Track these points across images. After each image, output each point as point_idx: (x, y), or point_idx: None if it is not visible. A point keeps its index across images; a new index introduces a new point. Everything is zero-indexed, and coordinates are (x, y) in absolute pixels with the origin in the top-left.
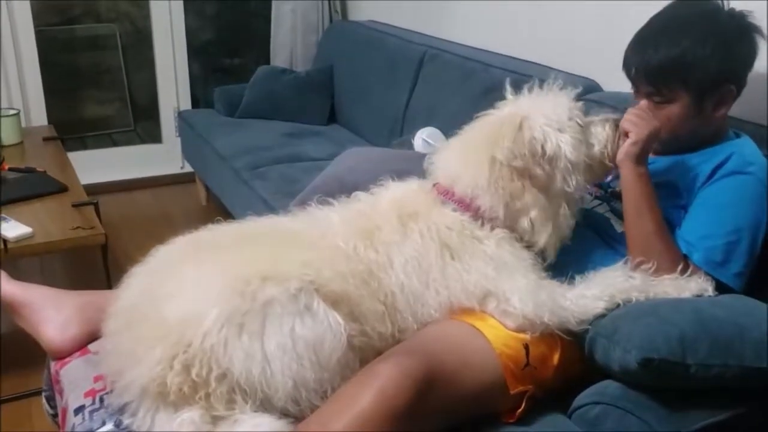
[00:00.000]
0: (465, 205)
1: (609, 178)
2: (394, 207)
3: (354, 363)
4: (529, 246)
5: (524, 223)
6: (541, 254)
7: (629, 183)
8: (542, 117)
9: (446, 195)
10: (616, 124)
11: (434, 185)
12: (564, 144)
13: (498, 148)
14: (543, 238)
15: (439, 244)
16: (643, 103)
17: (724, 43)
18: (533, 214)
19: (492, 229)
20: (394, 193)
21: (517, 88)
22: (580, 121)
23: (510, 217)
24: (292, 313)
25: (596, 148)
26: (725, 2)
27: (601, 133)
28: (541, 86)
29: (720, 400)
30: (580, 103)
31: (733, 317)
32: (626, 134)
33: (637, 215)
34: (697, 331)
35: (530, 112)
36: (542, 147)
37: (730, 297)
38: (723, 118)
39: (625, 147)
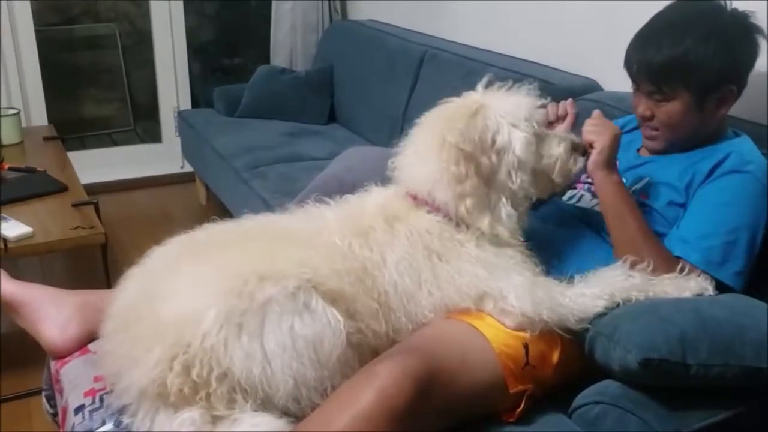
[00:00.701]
0: (434, 207)
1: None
2: (379, 211)
3: (353, 361)
4: (504, 242)
5: (461, 208)
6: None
7: (604, 190)
8: (499, 109)
9: (417, 199)
10: (573, 146)
11: (405, 191)
12: (515, 139)
13: (450, 130)
14: (483, 225)
15: (423, 247)
16: (596, 112)
17: (726, 43)
18: (468, 202)
19: (469, 229)
20: (376, 199)
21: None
22: (536, 126)
23: (458, 205)
24: (291, 311)
25: (544, 161)
26: (728, 2)
27: (554, 148)
28: (511, 86)
29: (720, 399)
30: (542, 111)
31: (733, 317)
32: (590, 145)
33: (618, 219)
34: (697, 331)
35: (489, 102)
36: (493, 137)
37: (730, 296)
38: (723, 118)
39: (593, 157)
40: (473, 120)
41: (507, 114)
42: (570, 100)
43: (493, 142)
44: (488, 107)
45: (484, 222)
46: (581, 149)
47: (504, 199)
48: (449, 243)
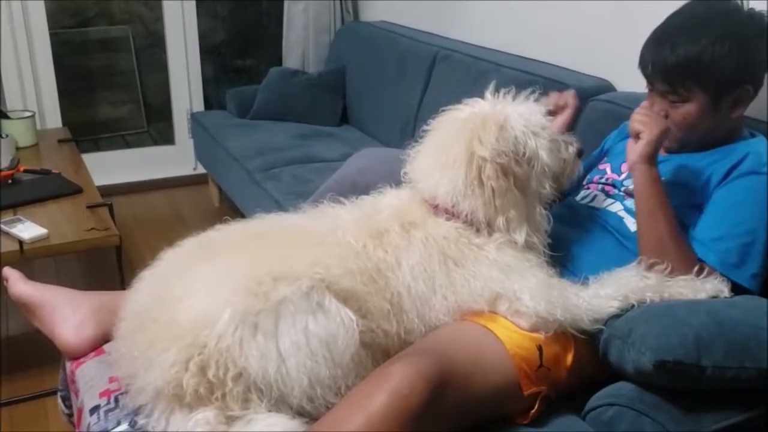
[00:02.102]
0: (453, 213)
1: (623, 176)
2: (394, 215)
3: (367, 360)
4: (529, 248)
5: (500, 222)
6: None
7: (643, 185)
8: (521, 119)
9: (436, 208)
10: (579, 152)
11: (422, 198)
12: (540, 147)
13: (480, 145)
14: (521, 237)
15: (440, 253)
16: (645, 103)
17: (742, 44)
18: (512, 213)
19: (490, 234)
20: (391, 201)
21: (525, 89)
22: (551, 132)
23: (492, 216)
24: (305, 311)
25: (558, 164)
26: (744, 2)
27: (564, 152)
28: (516, 92)
29: (736, 402)
30: (549, 117)
31: (749, 319)
32: (637, 135)
33: (650, 217)
34: (712, 333)
35: (509, 112)
36: (523, 147)
37: (746, 298)
38: (739, 118)
39: (640, 148)
40: (503, 133)
41: (528, 123)
42: (572, 91)
43: (524, 152)
44: (511, 118)
45: (523, 233)
46: (580, 153)
47: (539, 207)
48: (466, 248)
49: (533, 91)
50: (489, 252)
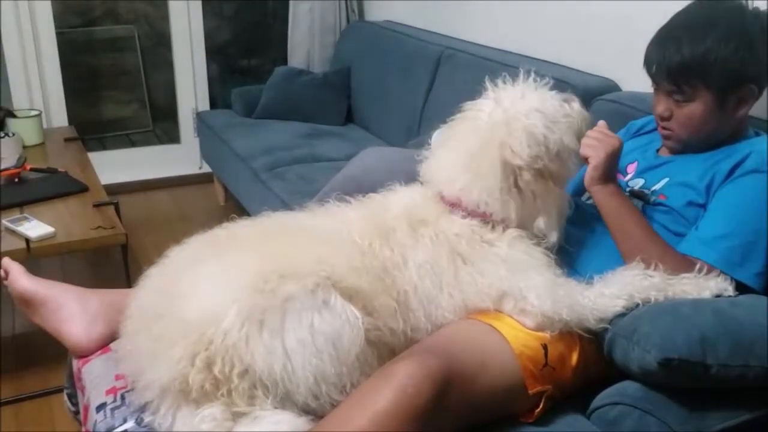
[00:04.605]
0: (474, 213)
1: (628, 177)
2: (403, 213)
3: (372, 358)
4: (539, 243)
5: (540, 222)
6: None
7: (603, 203)
8: (539, 114)
9: (453, 206)
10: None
11: (440, 197)
12: (564, 134)
13: (513, 154)
14: (555, 235)
15: (449, 251)
16: (601, 123)
17: (747, 43)
18: (554, 212)
19: (504, 230)
20: (402, 199)
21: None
22: (567, 108)
23: (526, 217)
24: (311, 308)
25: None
26: (749, 2)
27: (575, 114)
28: (513, 79)
29: (741, 401)
30: (554, 92)
31: (754, 317)
32: (586, 160)
33: (622, 230)
34: (717, 331)
35: (525, 110)
36: (552, 144)
37: (751, 297)
38: (743, 117)
39: (589, 172)
40: (532, 137)
41: (547, 115)
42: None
43: (555, 149)
44: (530, 116)
45: (555, 234)
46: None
47: (564, 192)
48: (477, 245)
49: (534, 76)
50: (500, 248)
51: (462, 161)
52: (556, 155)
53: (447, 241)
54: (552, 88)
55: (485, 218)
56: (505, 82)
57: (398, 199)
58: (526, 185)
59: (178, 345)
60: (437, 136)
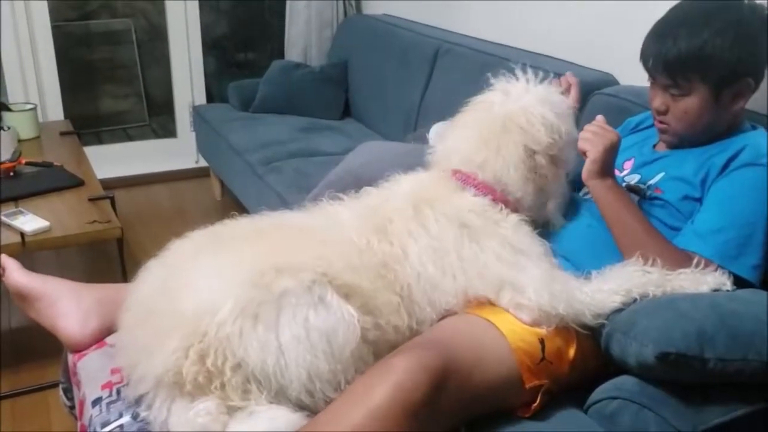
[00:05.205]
0: (487, 189)
1: (625, 172)
2: (409, 197)
3: (368, 356)
4: (537, 228)
5: (551, 206)
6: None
7: (601, 198)
8: (551, 106)
9: (466, 181)
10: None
11: (453, 172)
12: (570, 126)
13: (535, 142)
14: (560, 219)
15: (458, 226)
16: (599, 117)
17: (744, 36)
18: (561, 197)
19: (509, 213)
20: (408, 183)
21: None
22: (568, 105)
23: (539, 202)
24: (306, 304)
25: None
26: None
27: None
28: (515, 75)
29: (739, 395)
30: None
31: (751, 311)
32: (584, 153)
33: (620, 224)
34: (715, 326)
35: (536, 99)
36: (563, 134)
37: (748, 291)
38: (739, 111)
39: (587, 166)
40: (549, 128)
41: (555, 108)
42: (568, 72)
43: (565, 135)
44: (547, 107)
45: (560, 218)
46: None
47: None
48: (488, 222)
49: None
50: (505, 229)
51: (481, 141)
52: (565, 143)
53: (457, 216)
54: (550, 83)
55: (495, 198)
56: (506, 77)
57: (403, 185)
58: (541, 169)
59: (173, 337)
60: (435, 130)
